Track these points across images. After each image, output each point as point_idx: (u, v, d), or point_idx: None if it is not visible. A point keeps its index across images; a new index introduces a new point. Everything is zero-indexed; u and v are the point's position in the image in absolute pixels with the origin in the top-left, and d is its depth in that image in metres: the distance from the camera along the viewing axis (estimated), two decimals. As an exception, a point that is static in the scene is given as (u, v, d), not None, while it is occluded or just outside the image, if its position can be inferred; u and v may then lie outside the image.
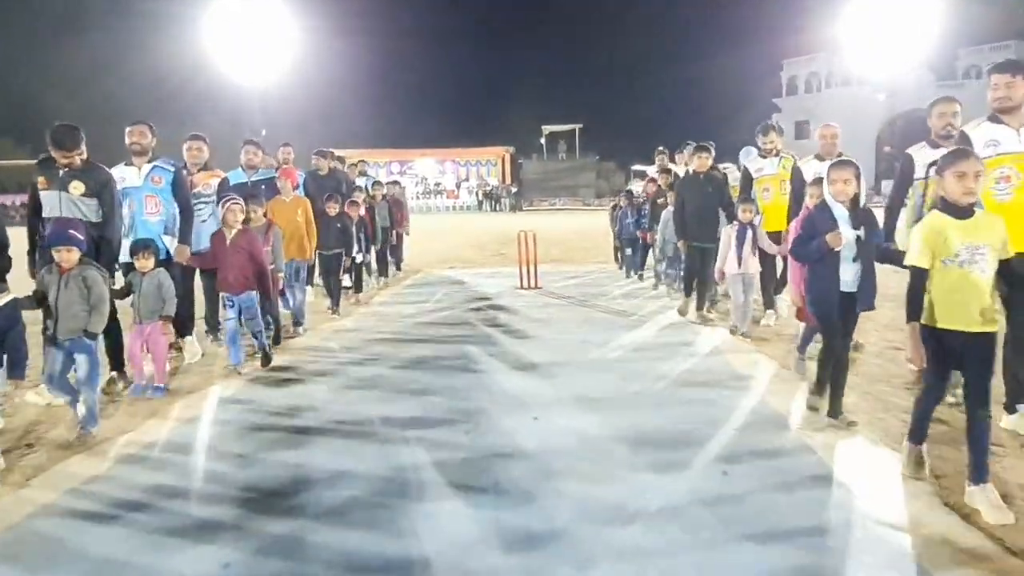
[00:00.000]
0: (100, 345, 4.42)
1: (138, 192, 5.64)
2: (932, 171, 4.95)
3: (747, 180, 7.24)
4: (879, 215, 4.35)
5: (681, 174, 8.67)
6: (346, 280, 9.01)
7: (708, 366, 5.51)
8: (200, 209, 6.22)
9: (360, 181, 11.17)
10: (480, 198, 48.25)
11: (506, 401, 4.64)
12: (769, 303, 7.24)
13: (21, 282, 4.40)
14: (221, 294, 5.72)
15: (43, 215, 4.91)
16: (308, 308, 7.62)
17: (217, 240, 5.67)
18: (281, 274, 6.60)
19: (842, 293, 3.89)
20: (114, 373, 5.11)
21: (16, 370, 4.01)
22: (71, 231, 4.11)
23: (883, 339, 6.18)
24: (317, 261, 8.27)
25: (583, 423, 4.18)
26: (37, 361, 4.60)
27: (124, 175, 5.65)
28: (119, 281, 5.07)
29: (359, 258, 8.98)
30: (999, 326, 3.17)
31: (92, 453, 3.83)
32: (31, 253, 5.04)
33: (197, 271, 6.27)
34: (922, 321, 3.17)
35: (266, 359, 5.69)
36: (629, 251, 11.35)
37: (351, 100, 57.34)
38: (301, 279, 7.37)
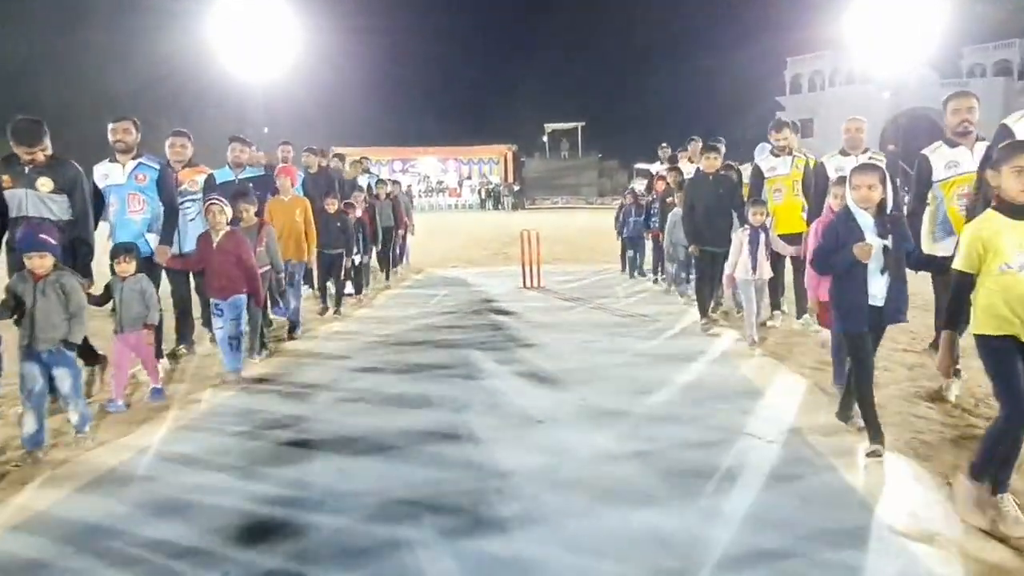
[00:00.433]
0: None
1: (121, 190, 5.41)
2: (951, 170, 4.77)
3: (758, 179, 6.95)
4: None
5: (686, 171, 8.44)
6: (348, 286, 8.79)
7: (722, 377, 5.26)
8: (187, 208, 5.97)
9: (363, 179, 10.96)
10: (483, 197, 48.03)
11: (510, 415, 4.40)
12: (776, 304, 7.02)
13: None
14: (210, 300, 5.45)
15: (9, 215, 4.57)
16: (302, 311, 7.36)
17: (204, 242, 5.40)
18: (281, 274, 6.35)
19: (871, 307, 3.58)
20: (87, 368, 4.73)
21: None
22: (43, 236, 3.83)
23: (891, 341, 5.92)
24: (316, 263, 8.02)
25: (594, 440, 3.93)
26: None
27: (108, 172, 5.43)
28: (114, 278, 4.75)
29: (357, 259, 8.73)
30: None
31: (57, 477, 3.55)
32: None
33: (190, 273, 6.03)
34: (977, 332, 2.88)
35: (234, 372, 5.26)
36: (631, 252, 11.10)
37: (354, 98, 56.99)
38: (297, 282, 7.12)
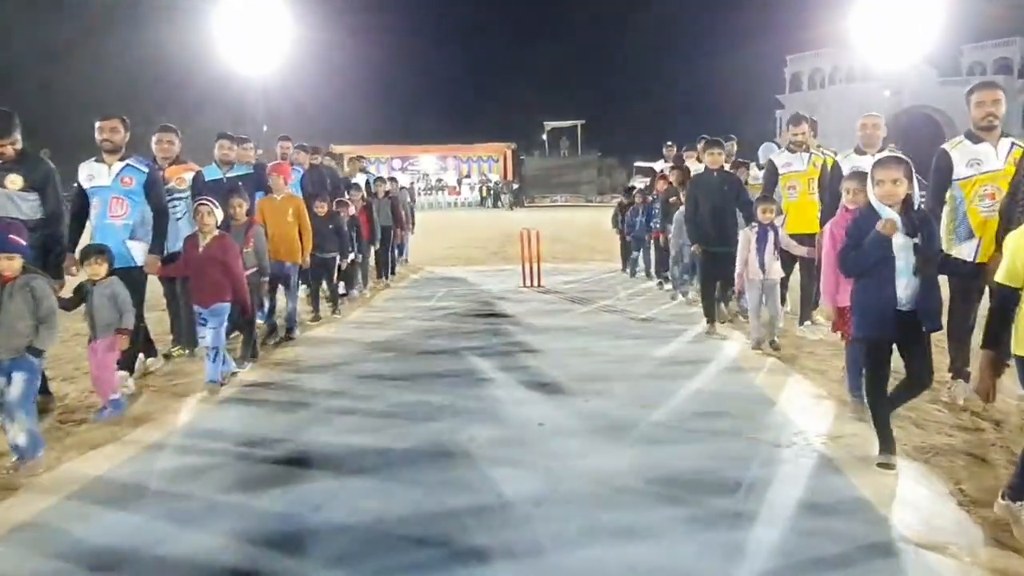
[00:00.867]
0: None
1: (105, 192, 5.10)
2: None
3: (772, 175, 6.69)
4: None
5: (694, 170, 8.19)
6: (341, 287, 8.53)
7: (730, 384, 5.03)
8: (174, 206, 5.71)
9: (359, 178, 10.67)
10: (482, 195, 47.76)
11: (510, 428, 4.17)
12: (807, 315, 6.67)
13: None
14: (195, 309, 5.18)
15: None
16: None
17: (190, 246, 5.14)
18: (266, 278, 6.09)
19: (899, 313, 3.30)
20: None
21: None
22: (12, 236, 3.57)
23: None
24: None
25: (596, 457, 3.70)
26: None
27: (93, 173, 5.13)
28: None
29: (350, 258, 8.43)
30: None
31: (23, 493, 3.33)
32: None
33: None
34: (1017, 353, 2.64)
35: (213, 384, 4.94)
36: (636, 252, 10.83)
37: (353, 96, 56.59)
38: (293, 285, 6.86)
